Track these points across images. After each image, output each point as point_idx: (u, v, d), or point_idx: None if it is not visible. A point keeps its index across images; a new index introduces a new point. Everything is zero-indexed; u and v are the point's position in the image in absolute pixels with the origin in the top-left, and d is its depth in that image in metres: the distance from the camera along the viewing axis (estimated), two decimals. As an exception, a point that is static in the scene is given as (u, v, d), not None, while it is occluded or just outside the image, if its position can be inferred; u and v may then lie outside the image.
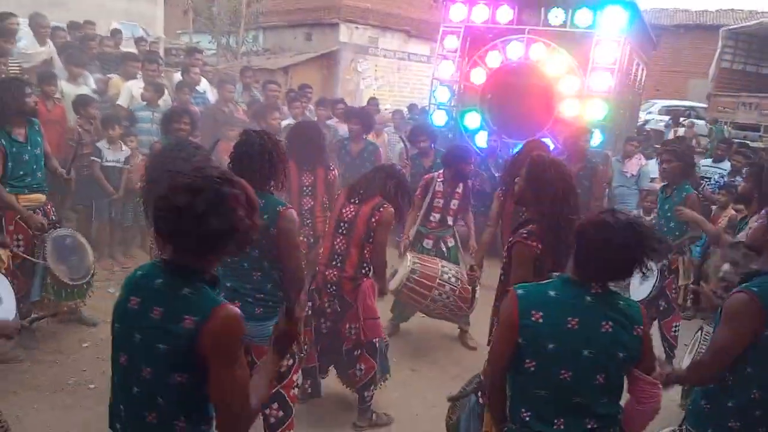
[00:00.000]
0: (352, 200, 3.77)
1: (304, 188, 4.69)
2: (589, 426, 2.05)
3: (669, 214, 4.62)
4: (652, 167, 7.33)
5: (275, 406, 3.02)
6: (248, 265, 2.91)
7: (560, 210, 2.72)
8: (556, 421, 2.04)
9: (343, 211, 3.77)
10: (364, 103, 11.69)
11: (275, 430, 3.06)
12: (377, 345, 3.81)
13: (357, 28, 16.73)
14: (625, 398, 2.17)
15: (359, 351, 3.76)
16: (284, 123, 6.80)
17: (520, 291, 2.11)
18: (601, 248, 1.98)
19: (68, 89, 6.05)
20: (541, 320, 2.02)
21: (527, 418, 2.08)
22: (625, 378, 2.10)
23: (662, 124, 12.58)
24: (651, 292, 4.40)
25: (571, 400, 2.03)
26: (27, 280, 4.25)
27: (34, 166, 4.24)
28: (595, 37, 6.23)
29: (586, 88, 6.19)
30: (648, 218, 6.72)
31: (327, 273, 3.74)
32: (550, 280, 2.15)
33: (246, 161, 2.83)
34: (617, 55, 6.27)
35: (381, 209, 3.66)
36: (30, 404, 3.76)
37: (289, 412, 3.07)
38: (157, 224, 1.71)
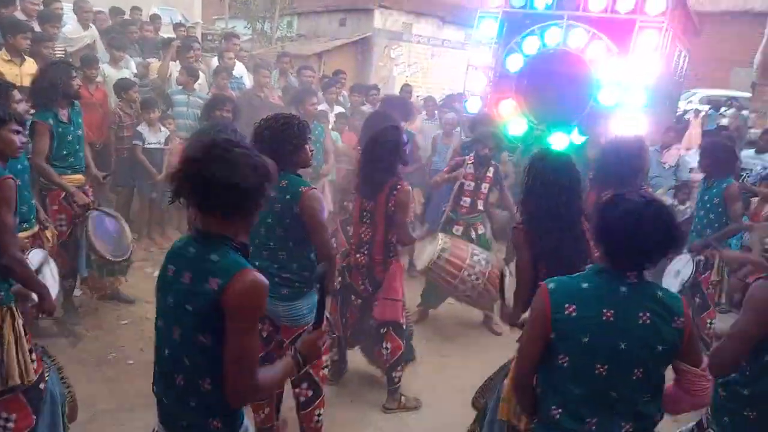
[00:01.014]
0: (367, 195, 3.82)
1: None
2: (624, 429, 1.98)
3: (708, 206, 4.53)
4: (692, 158, 7.16)
5: (304, 385, 3.10)
6: (274, 244, 2.97)
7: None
8: (588, 420, 1.97)
9: (364, 202, 3.84)
10: (397, 90, 11.67)
11: (306, 408, 3.15)
12: (404, 326, 3.89)
13: (391, 14, 16.63)
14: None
15: (386, 329, 3.84)
16: (319, 108, 6.86)
17: (551, 285, 2.03)
18: (627, 228, 1.89)
19: (110, 73, 6.20)
20: (574, 313, 1.95)
21: (557, 416, 2.00)
22: (664, 372, 2.04)
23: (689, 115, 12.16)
24: (685, 282, 4.33)
25: (607, 397, 1.95)
26: (70, 258, 4.41)
27: (77, 147, 4.40)
28: (636, 23, 6.07)
29: (626, 75, 6.04)
30: (682, 208, 6.62)
31: (357, 257, 3.84)
32: (583, 271, 2.07)
33: (267, 141, 2.87)
34: (659, 42, 6.10)
35: (395, 192, 3.70)
36: (77, 377, 3.92)
37: (319, 392, 3.14)
38: (180, 193, 1.79)
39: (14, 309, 2.68)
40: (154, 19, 8.63)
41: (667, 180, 6.89)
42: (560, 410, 2.00)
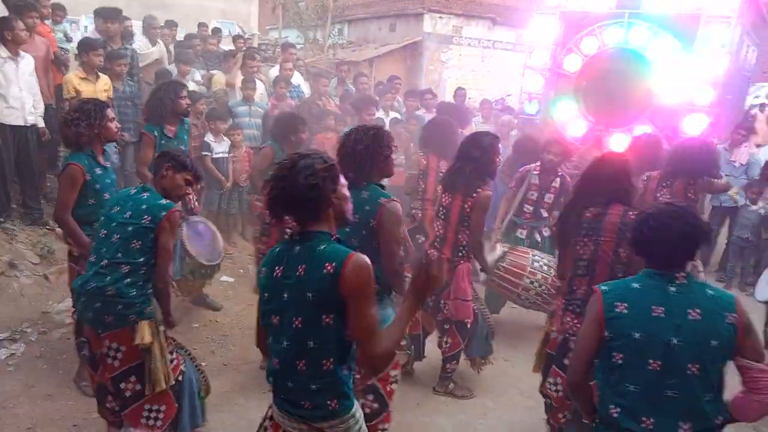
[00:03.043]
0: (447, 190, 4.01)
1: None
2: (683, 430, 2.00)
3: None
4: (764, 155, 6.87)
5: (370, 397, 3.05)
6: None
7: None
8: (644, 419, 2.01)
9: (442, 197, 4.04)
10: (447, 93, 11.65)
11: (370, 421, 3.06)
12: (467, 325, 4.06)
13: (441, 17, 16.62)
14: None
15: (449, 326, 4.09)
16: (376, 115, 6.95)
17: (603, 287, 2.18)
18: (659, 235, 2.09)
19: (178, 86, 6.46)
20: (625, 311, 2.06)
21: (615, 415, 2.07)
22: (723, 371, 2.05)
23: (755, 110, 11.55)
24: None
25: (662, 394, 1.99)
26: None
27: None
28: (702, 18, 5.87)
29: (692, 74, 5.85)
30: (754, 208, 6.35)
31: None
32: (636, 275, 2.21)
33: (358, 152, 2.93)
34: (727, 37, 5.88)
35: (475, 194, 3.84)
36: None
37: (385, 406, 3.06)
38: (275, 202, 2.00)
39: (158, 323, 2.97)
40: (216, 32, 8.92)
41: (738, 179, 6.64)
42: (618, 409, 2.07)
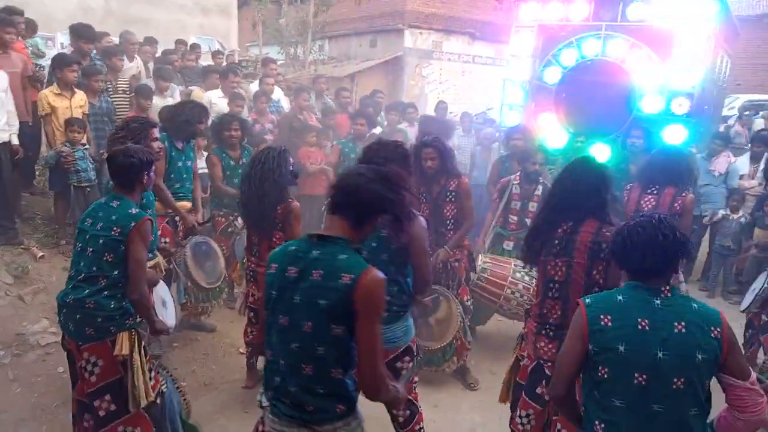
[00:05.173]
0: None
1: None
2: None
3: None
4: (741, 164, 6.96)
5: (401, 406, 3.14)
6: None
7: None
8: None
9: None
10: (429, 107, 11.71)
11: (406, 427, 3.22)
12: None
13: (421, 33, 16.77)
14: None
15: None
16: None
17: (587, 300, 2.14)
18: (632, 243, 2.07)
19: (156, 102, 6.38)
20: (610, 324, 2.02)
21: (600, 431, 2.03)
22: (709, 387, 2.01)
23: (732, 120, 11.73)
24: (755, 298, 4.19)
25: (649, 408, 1.95)
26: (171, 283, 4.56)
27: (184, 176, 4.69)
28: (677, 30, 5.96)
29: (669, 84, 5.93)
30: (735, 216, 6.42)
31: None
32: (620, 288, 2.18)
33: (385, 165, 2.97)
34: (701, 48, 5.97)
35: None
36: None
37: (415, 409, 3.23)
38: (335, 208, 2.08)
39: (139, 333, 2.93)
40: (194, 48, 8.86)
41: (717, 187, 6.71)
42: (603, 425, 2.03)
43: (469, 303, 4.51)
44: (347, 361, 2.00)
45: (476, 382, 4.52)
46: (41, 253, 5.30)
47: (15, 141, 5.30)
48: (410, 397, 3.17)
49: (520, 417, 3.05)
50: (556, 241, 2.88)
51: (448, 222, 4.29)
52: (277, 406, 2.07)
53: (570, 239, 2.84)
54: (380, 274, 1.97)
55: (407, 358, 3.05)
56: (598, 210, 2.86)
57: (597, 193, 2.87)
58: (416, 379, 3.30)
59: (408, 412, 3.17)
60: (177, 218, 4.64)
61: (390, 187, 2.08)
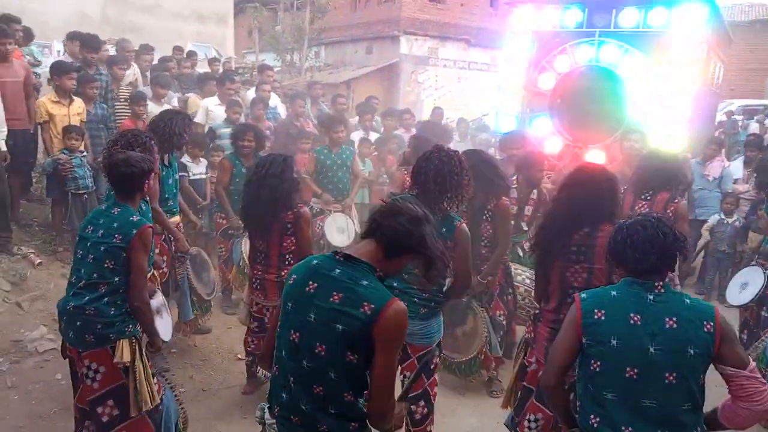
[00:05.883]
0: None
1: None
2: None
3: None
4: (735, 168, 7.02)
5: (421, 403, 3.20)
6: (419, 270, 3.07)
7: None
8: (624, 428, 2.00)
9: None
10: (425, 113, 11.76)
11: (419, 425, 3.24)
12: None
13: (417, 39, 16.86)
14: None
15: None
16: (358, 136, 6.96)
17: (583, 295, 2.19)
18: (630, 241, 2.10)
19: (153, 109, 6.40)
20: (603, 317, 2.07)
21: (595, 424, 2.06)
22: (704, 381, 2.04)
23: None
24: (753, 298, 4.22)
25: (640, 402, 1.99)
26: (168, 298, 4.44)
27: (174, 190, 4.47)
28: (670, 36, 6.03)
29: (663, 89, 5.98)
30: (730, 220, 6.46)
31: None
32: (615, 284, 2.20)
33: (442, 175, 3.03)
34: (695, 54, 6.04)
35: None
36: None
37: (431, 408, 3.25)
38: (374, 231, 2.02)
39: (140, 340, 2.93)
40: (191, 55, 8.89)
41: (712, 192, 6.76)
42: (598, 419, 2.06)
43: (501, 318, 4.46)
44: (360, 386, 1.96)
45: (500, 390, 4.34)
46: (39, 260, 5.30)
47: (2, 147, 5.21)
48: (432, 394, 3.21)
49: (529, 421, 3.04)
50: (574, 248, 2.88)
51: (483, 240, 4.28)
52: (285, 425, 2.02)
53: (588, 245, 2.86)
54: (402, 305, 1.90)
55: (437, 352, 3.20)
56: (611, 214, 2.88)
57: (610, 200, 2.92)
58: (437, 377, 3.30)
59: (426, 409, 3.20)
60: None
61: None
